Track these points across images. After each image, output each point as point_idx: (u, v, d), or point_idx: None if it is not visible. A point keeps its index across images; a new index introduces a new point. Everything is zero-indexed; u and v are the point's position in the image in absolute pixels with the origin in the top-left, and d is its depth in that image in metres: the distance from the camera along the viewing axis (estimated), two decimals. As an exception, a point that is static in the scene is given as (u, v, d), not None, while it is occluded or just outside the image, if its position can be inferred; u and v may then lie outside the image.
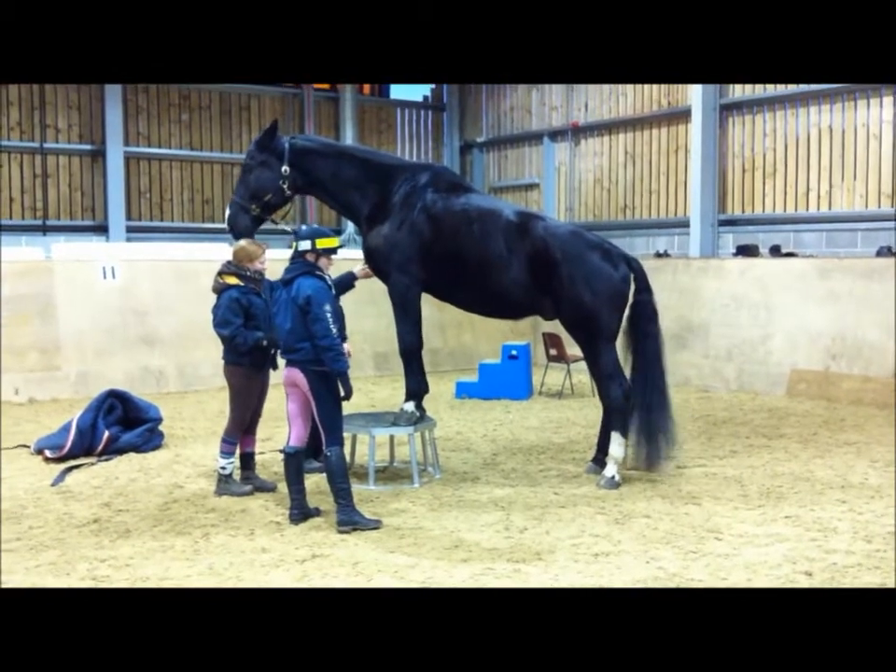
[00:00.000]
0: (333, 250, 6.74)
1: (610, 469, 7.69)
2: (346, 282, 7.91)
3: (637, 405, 7.80)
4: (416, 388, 8.00)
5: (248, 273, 7.41)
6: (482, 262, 7.77)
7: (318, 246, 6.63)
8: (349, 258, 13.13)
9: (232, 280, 7.39)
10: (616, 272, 7.80)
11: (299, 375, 6.55)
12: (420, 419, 7.99)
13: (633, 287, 7.97)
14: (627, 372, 7.90)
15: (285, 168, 7.76)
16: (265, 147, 7.79)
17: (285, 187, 7.81)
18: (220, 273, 7.46)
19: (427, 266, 7.84)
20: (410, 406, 7.94)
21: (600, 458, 8.05)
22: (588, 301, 7.69)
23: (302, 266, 6.62)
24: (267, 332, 7.21)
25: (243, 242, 7.62)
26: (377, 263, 7.92)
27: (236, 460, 7.57)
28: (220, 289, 7.42)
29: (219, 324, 7.30)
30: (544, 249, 7.72)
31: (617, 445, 7.74)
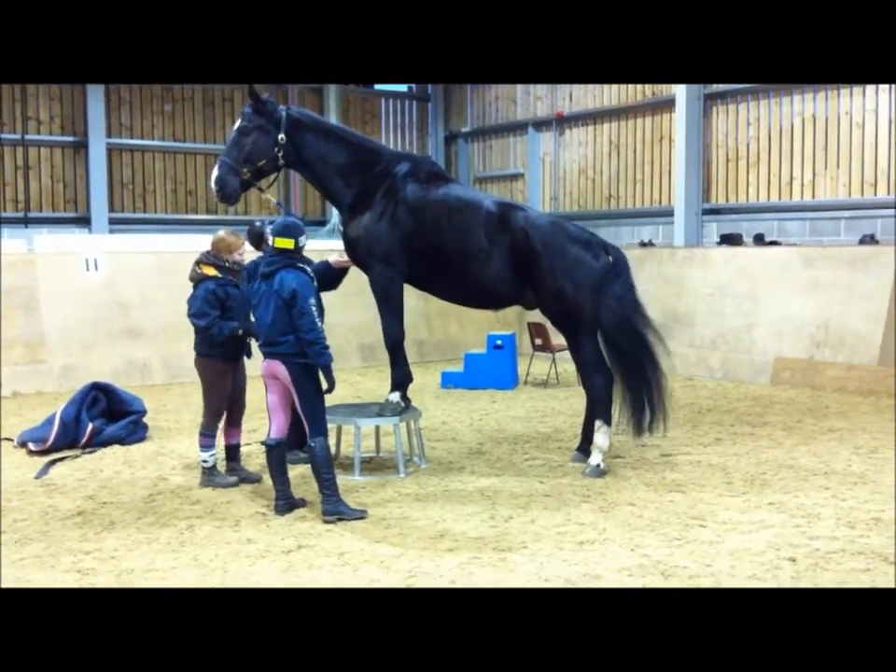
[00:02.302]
0: (304, 244, 6.75)
1: (595, 458, 7.72)
2: (325, 275, 7.65)
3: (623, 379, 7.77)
4: (402, 379, 7.99)
5: (227, 265, 7.37)
6: (462, 253, 7.75)
7: (300, 245, 6.62)
8: (334, 248, 13.12)
9: (210, 271, 7.35)
10: (597, 262, 7.80)
11: (280, 367, 6.53)
12: (405, 409, 7.98)
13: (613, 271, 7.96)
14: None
15: (281, 136, 7.64)
16: (262, 112, 7.66)
17: (280, 155, 7.71)
18: (198, 263, 7.42)
19: (407, 257, 7.80)
20: (395, 397, 7.93)
21: (585, 447, 8.06)
22: (569, 292, 7.69)
23: (284, 259, 6.58)
24: (243, 323, 7.18)
25: (222, 233, 7.58)
26: (358, 255, 7.86)
27: (219, 451, 7.56)
28: (198, 279, 7.38)
29: (195, 314, 7.26)
30: (525, 240, 7.71)
31: (601, 435, 7.76)
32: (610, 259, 7.85)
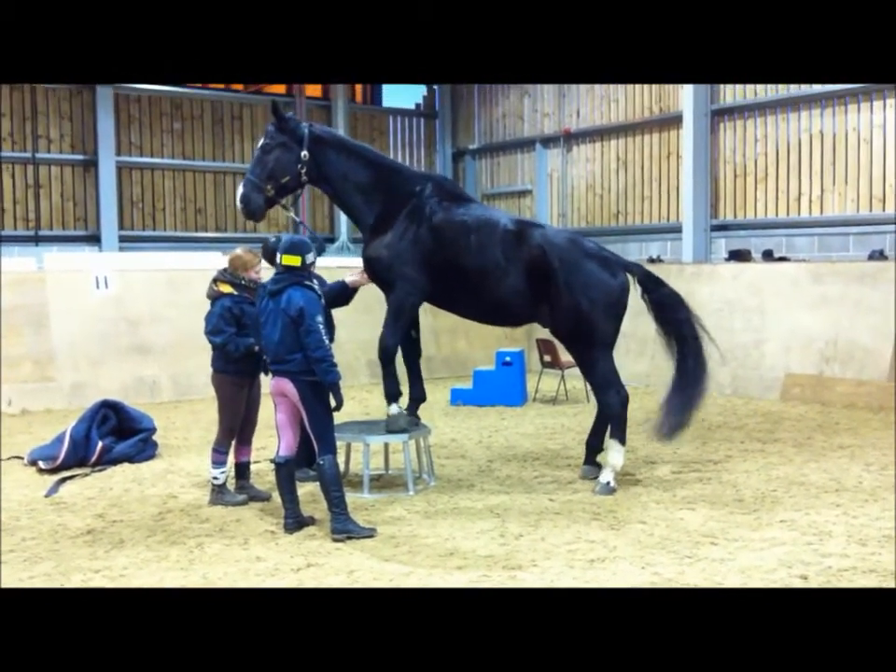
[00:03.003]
0: (314, 261, 6.79)
1: (606, 476, 7.69)
2: (341, 293, 7.89)
3: (678, 375, 7.93)
4: (393, 390, 7.88)
5: (243, 282, 7.42)
6: (481, 272, 7.77)
7: (308, 262, 6.65)
8: (344, 265, 13.15)
9: (227, 288, 7.40)
10: (614, 279, 7.81)
11: (288, 385, 6.54)
12: (415, 426, 7.97)
13: (640, 289, 8.01)
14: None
15: (304, 153, 7.70)
16: (285, 130, 7.73)
17: (303, 172, 7.77)
18: (215, 280, 7.48)
19: (428, 276, 7.83)
20: (394, 409, 7.85)
21: (591, 459, 8.12)
22: (585, 308, 7.68)
23: (291, 277, 6.60)
24: (258, 340, 7.21)
25: (239, 250, 7.64)
26: (378, 273, 7.89)
27: (229, 469, 7.56)
28: (214, 297, 7.44)
29: (211, 332, 7.33)
30: (541, 257, 7.73)
31: (615, 453, 7.74)
32: (633, 277, 7.90)
